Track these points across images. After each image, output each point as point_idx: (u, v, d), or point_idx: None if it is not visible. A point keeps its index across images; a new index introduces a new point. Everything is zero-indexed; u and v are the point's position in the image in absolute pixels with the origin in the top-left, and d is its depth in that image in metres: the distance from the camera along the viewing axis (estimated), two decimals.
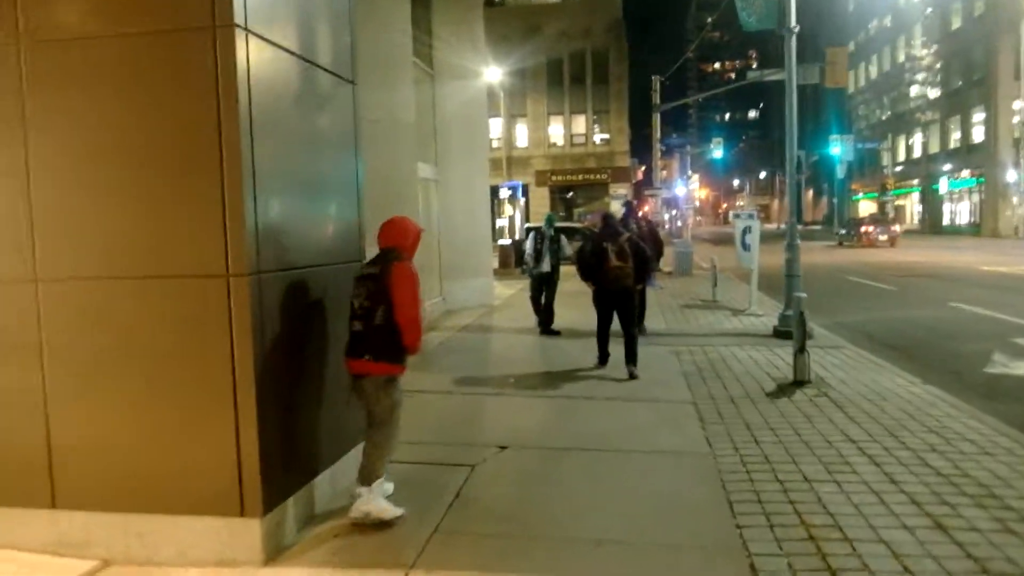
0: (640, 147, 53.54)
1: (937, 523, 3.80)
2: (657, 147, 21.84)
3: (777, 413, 5.98)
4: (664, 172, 31.93)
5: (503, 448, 5.21)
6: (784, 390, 6.78)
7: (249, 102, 3.53)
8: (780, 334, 9.56)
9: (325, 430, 4.31)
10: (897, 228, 35.82)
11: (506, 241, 21.84)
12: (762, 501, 4.15)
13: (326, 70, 4.42)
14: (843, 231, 36.68)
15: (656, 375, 7.61)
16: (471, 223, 13.05)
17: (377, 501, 3.94)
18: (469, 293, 12.95)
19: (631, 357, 7.57)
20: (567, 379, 7.58)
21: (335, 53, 4.58)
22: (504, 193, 22.09)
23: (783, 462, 4.79)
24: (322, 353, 4.27)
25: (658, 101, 21.90)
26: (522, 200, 21.30)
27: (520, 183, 21.94)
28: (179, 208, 3.55)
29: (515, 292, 16.23)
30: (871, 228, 34.23)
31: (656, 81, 21.95)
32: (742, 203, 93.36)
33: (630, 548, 3.64)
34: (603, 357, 8.05)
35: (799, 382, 6.92)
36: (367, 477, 3.95)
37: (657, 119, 21.77)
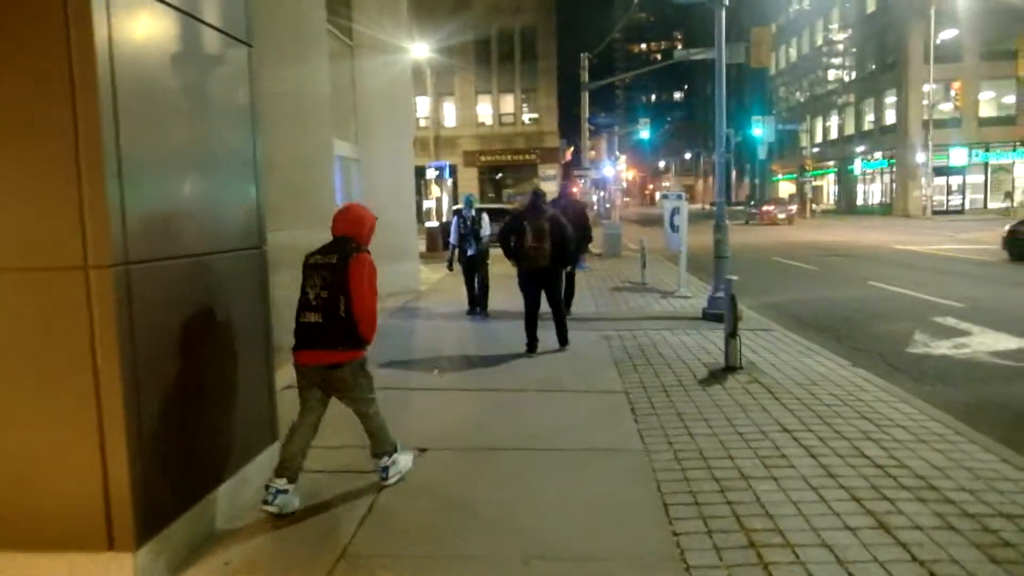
0: (569, 128, 53.44)
1: (879, 522, 3.62)
2: (585, 126, 21.63)
3: (710, 402, 5.78)
4: (593, 152, 31.87)
5: (423, 450, 4.81)
6: (716, 377, 6.60)
7: (111, 55, 2.98)
8: (710, 316, 9.45)
9: (219, 440, 3.82)
10: (793, 208, 41.01)
11: (433, 223, 21.27)
12: (699, 503, 3.89)
13: (213, 27, 3.86)
14: (752, 211, 42.22)
15: (586, 363, 7.34)
16: (396, 205, 12.47)
17: (402, 460, 4.31)
18: (394, 278, 12.39)
19: (561, 338, 7.87)
20: (496, 368, 7.22)
21: (225, 9, 4.01)
22: (431, 174, 21.49)
23: (719, 457, 4.56)
24: (214, 353, 3.77)
25: (586, 79, 21.65)
26: (449, 181, 20.75)
27: (447, 163, 21.39)
28: (21, 184, 2.97)
29: (442, 276, 15.75)
30: (771, 208, 39.79)
31: (584, 58, 21.67)
32: (668, 184, 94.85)
33: (561, 564, 3.31)
34: (531, 344, 7.84)
35: (731, 368, 6.76)
36: (385, 448, 4.20)
37: (585, 97, 21.53)
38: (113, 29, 3.00)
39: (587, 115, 21.70)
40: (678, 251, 11.90)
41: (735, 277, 7.00)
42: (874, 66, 45.66)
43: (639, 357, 7.52)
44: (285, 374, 7.11)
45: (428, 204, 21.69)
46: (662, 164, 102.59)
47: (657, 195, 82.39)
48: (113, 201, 2.97)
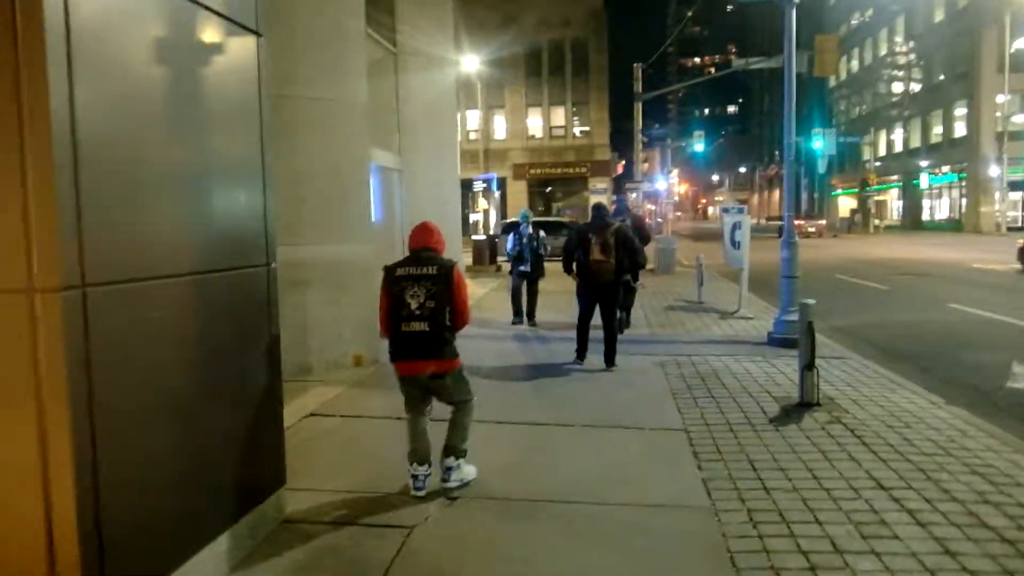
0: (620, 141, 52.61)
1: None
2: (639, 138, 20.86)
3: (786, 447, 4.99)
4: (646, 164, 31.01)
5: (452, 500, 4.16)
6: (790, 414, 5.79)
7: (67, 35, 2.44)
8: (777, 342, 8.60)
9: (209, 493, 3.24)
10: (823, 222, 42.62)
11: (480, 237, 20.76)
12: None
13: (211, 10, 3.32)
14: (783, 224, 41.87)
15: (641, 393, 6.61)
16: (439, 217, 11.85)
17: (467, 469, 4.37)
18: None
19: (609, 357, 7.61)
20: (539, 395, 6.55)
21: None
22: (478, 186, 21.01)
23: (804, 521, 3.79)
24: (202, 390, 3.19)
25: (639, 89, 20.92)
26: (497, 193, 20.23)
27: (495, 175, 20.89)
28: None
29: (488, 291, 15.18)
30: (801, 221, 41.20)
31: (637, 69, 20.95)
32: (721, 198, 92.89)
33: None
34: (581, 351, 7.88)
35: (806, 404, 5.95)
36: (460, 449, 4.32)
37: (639, 108, 20.79)
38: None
39: (640, 127, 20.93)
40: (739, 269, 11.05)
41: (812, 301, 6.18)
42: (942, 76, 43.66)
43: (699, 388, 6.75)
44: (311, 400, 6.61)
45: (475, 217, 21.20)
46: (715, 178, 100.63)
47: (712, 209, 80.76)
48: (66, 212, 2.43)
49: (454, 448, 4.31)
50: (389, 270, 4.26)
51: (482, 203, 20.71)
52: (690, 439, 5.22)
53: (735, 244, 10.90)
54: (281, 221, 7.15)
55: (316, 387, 6.90)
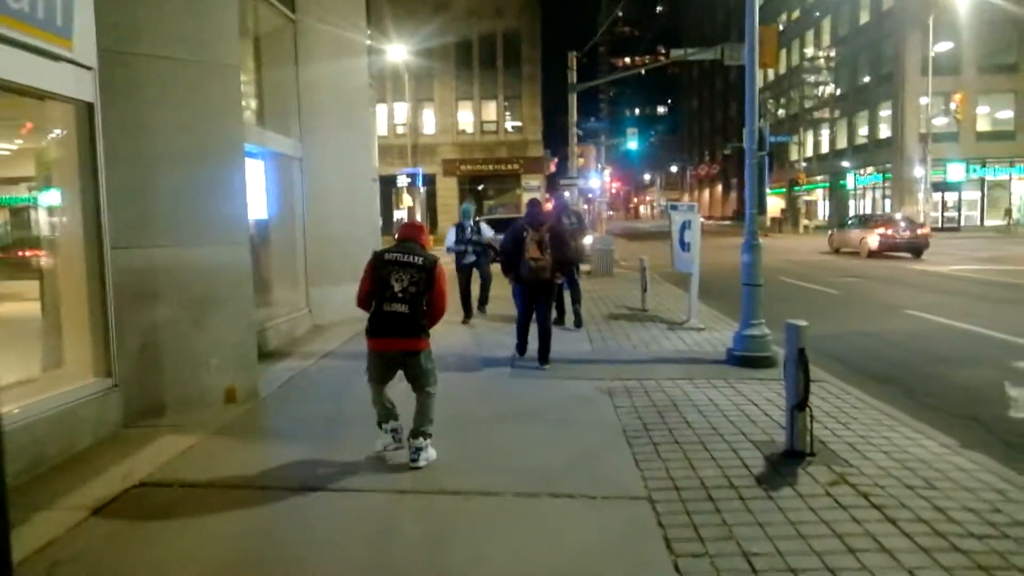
0: (553, 139, 51.63)
1: None
2: (573, 131, 19.63)
3: (787, 525, 3.69)
4: (581, 160, 29.94)
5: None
6: (780, 469, 4.51)
7: None
8: (737, 360, 7.40)
9: None
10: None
11: None
12: None
13: None
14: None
15: (586, 436, 5.23)
16: (349, 213, 10.35)
17: (431, 450, 4.70)
18: (342, 303, 10.24)
19: (544, 354, 7.49)
20: (461, 439, 5.08)
21: None
22: (402, 181, 19.39)
23: None
24: None
25: (574, 80, 19.69)
26: (422, 189, 18.63)
27: (420, 170, 19.33)
28: None
29: None
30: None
31: (572, 58, 19.73)
32: (651, 197, 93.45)
33: None
34: (522, 348, 7.83)
35: (797, 452, 4.68)
36: (427, 431, 4.67)
37: (574, 100, 19.56)
38: None
39: (574, 119, 19.71)
40: (688, 273, 9.85)
41: (804, 323, 4.92)
42: (868, 78, 44.26)
43: (658, 427, 5.42)
44: (149, 457, 4.76)
45: (399, 215, 19.57)
46: (647, 177, 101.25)
47: (644, 208, 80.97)
48: None
49: (422, 431, 4.66)
50: (378, 254, 4.68)
51: (407, 200, 19.09)
52: (657, 514, 3.87)
53: (684, 245, 9.70)
54: (121, 217, 5.50)
55: (165, 436, 5.26)
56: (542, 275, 7.28)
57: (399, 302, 4.49)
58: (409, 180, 19.08)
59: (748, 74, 7.70)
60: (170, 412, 5.71)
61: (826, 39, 49.92)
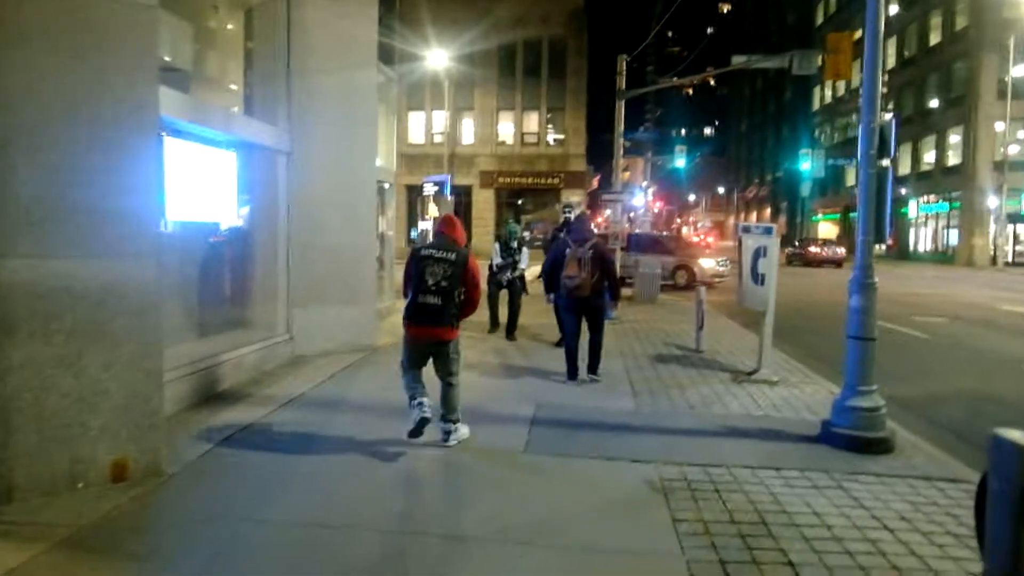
0: (596, 155, 49.68)
1: None
2: (619, 141, 17.70)
3: None
4: (626, 173, 27.94)
5: None
6: None
7: None
8: (841, 440, 5.35)
9: None
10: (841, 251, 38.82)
11: None
12: None
13: None
14: (796, 250, 39.33)
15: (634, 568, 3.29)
16: (347, 223, 8.56)
17: (464, 428, 5.24)
18: (334, 329, 8.46)
19: (593, 365, 7.47)
20: None
21: None
22: (428, 189, 17.67)
23: None
24: None
25: (623, 86, 17.79)
26: (450, 198, 16.89)
27: (448, 177, 17.58)
28: None
29: None
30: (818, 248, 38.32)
31: (622, 61, 17.86)
32: (695, 218, 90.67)
33: None
34: (571, 371, 7.46)
35: None
36: (454, 416, 5.16)
37: (621, 108, 17.65)
38: None
39: (622, 128, 17.79)
40: (761, 311, 7.82)
41: (1021, 435, 2.90)
42: (937, 101, 41.43)
43: (743, 566, 3.44)
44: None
45: (424, 225, 17.86)
46: (692, 197, 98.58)
47: (687, 228, 78.37)
48: None
49: (450, 416, 5.14)
50: (415, 250, 5.17)
51: (432, 210, 17.36)
52: None
53: (757, 278, 7.67)
54: None
55: None
56: (578, 294, 7.09)
57: (432, 294, 4.90)
58: (436, 187, 17.34)
59: (868, 54, 5.66)
60: (21, 497, 3.91)
61: (891, 61, 47.19)
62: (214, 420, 5.61)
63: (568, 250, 7.14)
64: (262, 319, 8.02)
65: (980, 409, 7.21)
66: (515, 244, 10.37)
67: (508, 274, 10.28)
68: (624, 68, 17.93)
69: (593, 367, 7.47)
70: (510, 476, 4.73)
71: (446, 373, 5.14)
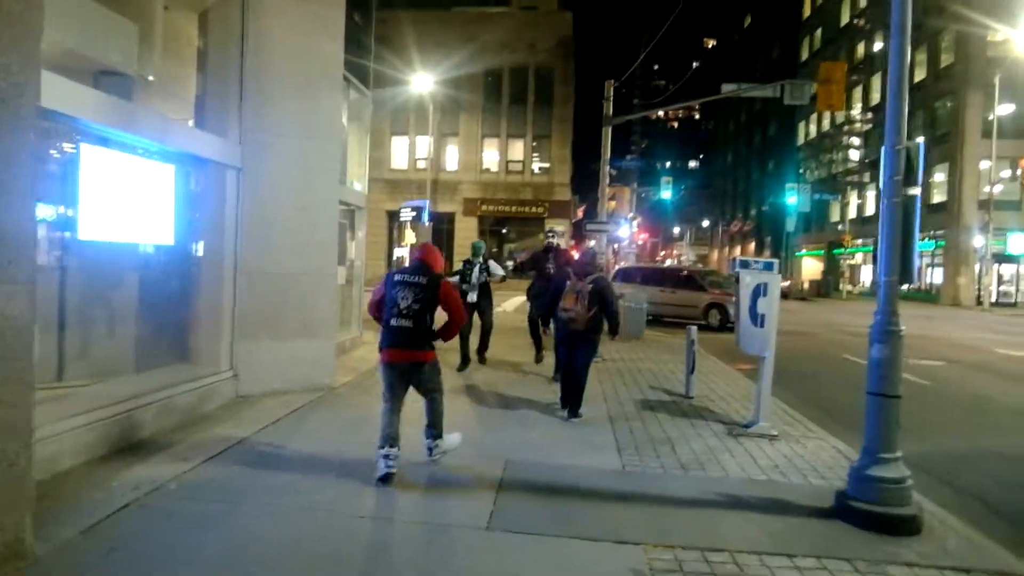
0: (581, 184, 49.30)
1: None
2: (606, 169, 17.07)
3: None
4: (613, 203, 27.37)
5: None
6: None
7: None
8: (859, 516, 4.54)
9: None
10: (787, 283, 38.59)
11: None
12: None
13: None
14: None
15: None
16: (304, 247, 7.73)
17: (447, 441, 5.38)
18: (286, 366, 7.57)
19: (570, 404, 7.24)
20: None
21: None
22: (406, 215, 16.89)
23: None
24: None
25: (610, 112, 17.21)
26: (428, 224, 16.11)
27: (427, 203, 16.82)
28: None
29: None
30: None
31: (609, 86, 17.31)
32: (678, 251, 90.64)
33: None
34: (564, 399, 7.36)
35: None
36: (438, 431, 5.30)
37: (607, 134, 17.05)
38: None
39: (608, 156, 17.17)
40: (760, 358, 7.05)
41: None
42: (921, 139, 41.40)
43: None
44: None
45: (400, 252, 17.05)
46: (676, 230, 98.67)
47: (671, 261, 78.07)
48: None
49: (433, 432, 5.28)
50: (389, 275, 5.26)
51: (410, 236, 16.56)
52: None
53: (756, 318, 6.91)
54: None
55: None
56: (572, 327, 7.05)
57: (404, 318, 4.96)
58: (414, 213, 16.56)
59: (893, 67, 5.00)
60: None
61: (875, 96, 47.42)
62: (120, 478, 4.71)
63: (568, 282, 7.09)
64: (202, 354, 7.14)
65: (1004, 471, 6.46)
66: (480, 260, 9.93)
67: (474, 296, 9.76)
68: (611, 94, 17.37)
69: (574, 408, 7.19)
70: (467, 562, 3.86)
71: (427, 390, 5.23)
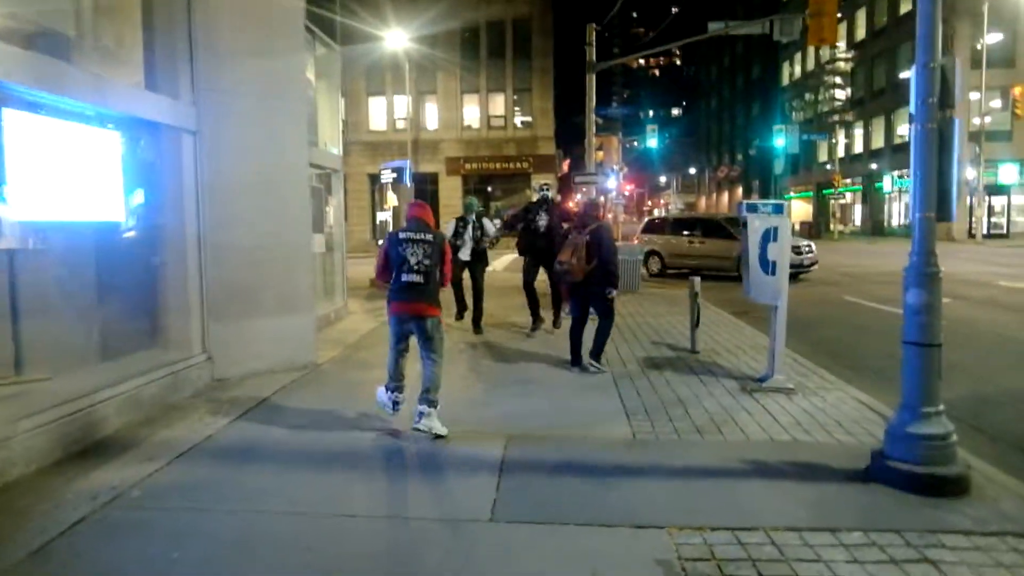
0: (565, 138, 48.30)
1: None
2: (591, 117, 16.38)
3: None
4: (600, 153, 26.63)
5: None
6: None
7: None
8: (901, 478, 4.10)
9: None
10: None
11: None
12: None
13: None
14: None
15: None
16: (274, 216, 7.13)
17: (436, 419, 5.09)
18: (264, 345, 7.04)
19: (595, 352, 7.23)
20: None
21: None
22: (386, 177, 16.20)
23: None
24: None
25: (593, 58, 16.42)
26: (410, 185, 15.45)
27: (407, 163, 16.07)
28: None
29: (378, 326, 10.39)
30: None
31: (591, 31, 16.49)
32: (665, 200, 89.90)
33: None
34: (574, 358, 7.26)
35: None
36: (433, 398, 5.13)
37: (592, 81, 16.30)
38: None
39: (593, 104, 16.45)
40: (772, 305, 6.57)
41: None
42: (908, 72, 40.60)
43: None
44: None
45: (383, 216, 16.41)
46: (663, 179, 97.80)
47: (659, 211, 77.32)
48: None
49: (428, 397, 5.12)
50: (393, 234, 5.38)
51: (391, 198, 15.91)
52: None
53: (767, 265, 6.41)
54: None
55: None
56: (568, 279, 7.09)
57: (416, 273, 5.17)
58: (395, 175, 15.88)
59: None
60: None
61: (861, 32, 46.42)
62: (75, 487, 4.19)
63: (569, 236, 7.07)
64: (172, 338, 6.58)
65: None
66: (472, 218, 9.70)
67: (467, 254, 9.63)
68: (594, 39, 16.56)
69: (595, 353, 7.19)
70: (469, 563, 3.39)
71: (429, 351, 5.23)
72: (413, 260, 5.14)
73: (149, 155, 6.45)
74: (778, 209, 6.50)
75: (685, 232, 17.96)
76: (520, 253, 9.84)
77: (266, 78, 6.95)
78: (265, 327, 7.04)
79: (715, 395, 6.35)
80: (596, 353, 7.21)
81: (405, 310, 5.20)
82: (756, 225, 6.42)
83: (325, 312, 10.37)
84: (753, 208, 6.51)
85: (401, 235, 5.26)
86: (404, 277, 5.15)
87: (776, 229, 6.40)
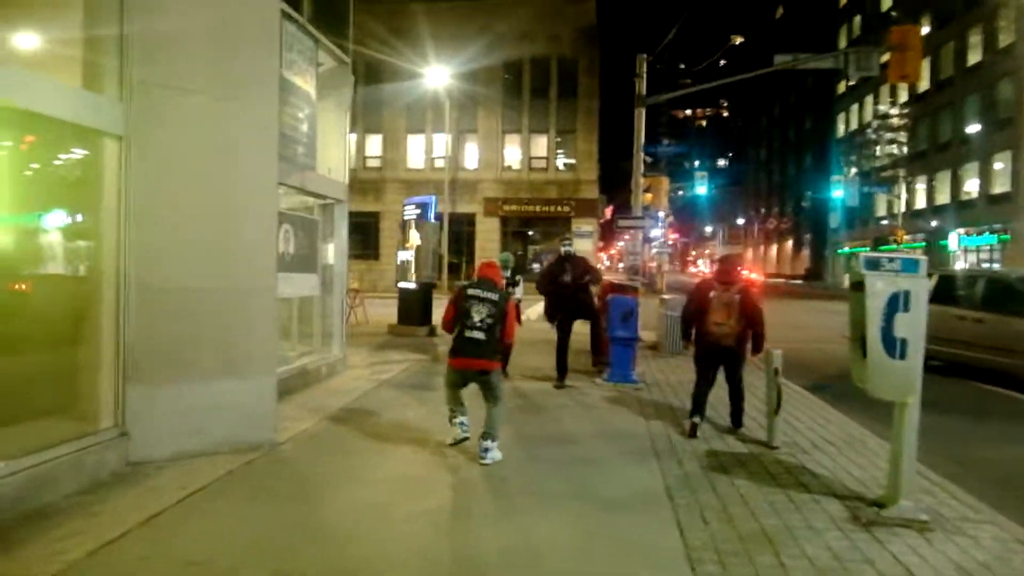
0: (608, 182, 46.80)
1: None
2: (639, 155, 14.66)
3: None
4: (650, 195, 24.86)
5: None
6: None
7: None
8: None
9: None
10: None
11: (410, 284, 14.29)
12: None
13: None
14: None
15: None
16: (225, 252, 5.48)
17: (497, 450, 5.48)
18: (202, 416, 5.32)
19: (736, 416, 6.94)
20: None
21: None
22: (409, 213, 14.69)
23: None
24: None
25: (643, 91, 14.80)
26: (435, 223, 13.89)
27: (433, 199, 14.56)
28: None
29: (377, 387, 8.62)
30: None
31: (641, 62, 14.90)
32: (710, 251, 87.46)
33: None
34: (692, 429, 6.62)
35: None
36: (495, 435, 5.49)
37: (641, 116, 14.65)
38: None
39: (642, 141, 14.77)
40: (897, 401, 4.62)
41: None
42: (979, 124, 38.23)
43: None
44: None
45: (404, 255, 14.81)
46: (708, 229, 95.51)
47: (703, 263, 74.80)
48: None
49: (491, 433, 5.49)
50: (462, 288, 5.75)
51: (414, 237, 14.35)
52: None
53: (893, 345, 4.49)
54: None
55: None
56: (725, 342, 6.60)
57: (478, 330, 5.49)
58: (419, 211, 14.34)
59: None
60: None
61: (924, 84, 44.23)
62: None
63: (712, 293, 6.64)
64: (72, 404, 4.92)
65: None
66: (507, 274, 9.23)
67: None
68: (644, 70, 14.97)
69: (737, 418, 6.94)
70: None
71: (491, 397, 5.62)
72: (477, 317, 5.49)
73: (60, 166, 4.89)
74: (910, 266, 4.60)
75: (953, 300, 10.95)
76: (550, 320, 9.17)
77: (224, 73, 5.39)
78: (205, 393, 5.33)
79: (816, 527, 4.39)
80: (739, 416, 6.91)
81: (467, 366, 5.58)
82: (879, 288, 4.53)
83: (315, 366, 8.71)
84: (875, 265, 4.61)
85: (469, 291, 5.61)
86: (467, 333, 5.50)
87: (907, 294, 4.50)
